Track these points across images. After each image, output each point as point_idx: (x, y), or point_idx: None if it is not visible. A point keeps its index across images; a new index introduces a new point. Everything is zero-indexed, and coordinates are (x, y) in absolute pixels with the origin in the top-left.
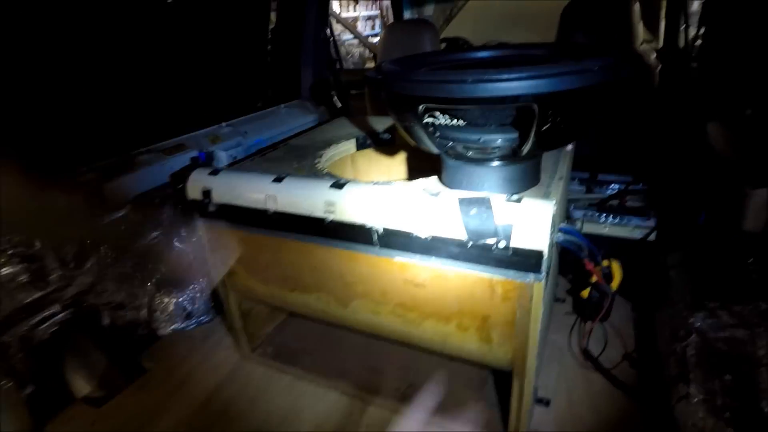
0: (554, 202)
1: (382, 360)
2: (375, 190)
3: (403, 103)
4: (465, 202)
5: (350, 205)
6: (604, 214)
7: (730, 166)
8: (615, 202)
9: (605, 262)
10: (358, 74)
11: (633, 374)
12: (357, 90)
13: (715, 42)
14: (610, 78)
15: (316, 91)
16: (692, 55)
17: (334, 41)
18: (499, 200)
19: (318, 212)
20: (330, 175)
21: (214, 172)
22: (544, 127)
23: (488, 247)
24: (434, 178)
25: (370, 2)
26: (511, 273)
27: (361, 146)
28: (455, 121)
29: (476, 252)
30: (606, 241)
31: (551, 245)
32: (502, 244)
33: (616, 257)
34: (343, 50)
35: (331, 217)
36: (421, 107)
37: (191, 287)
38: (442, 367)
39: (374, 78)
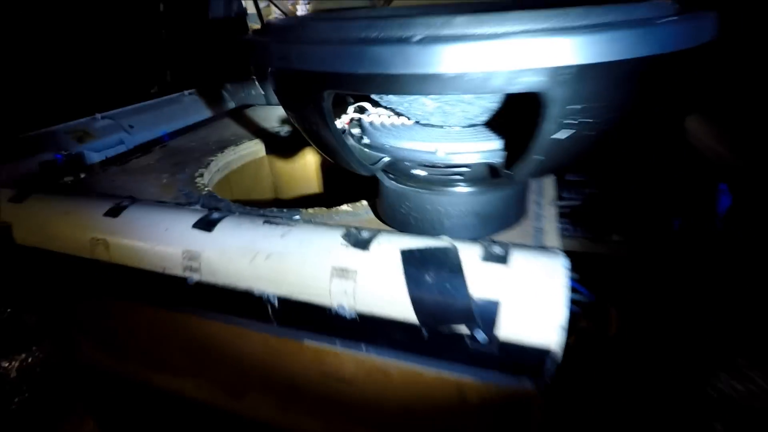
0: (563, 255)
1: None
2: (264, 234)
3: (295, 86)
4: (414, 260)
5: (225, 258)
6: (578, 228)
7: (713, 165)
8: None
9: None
10: None
11: None
12: None
13: None
14: (691, 43)
15: (234, 74)
16: None
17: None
18: (472, 254)
19: (174, 269)
20: (212, 198)
21: (19, 197)
22: (561, 132)
23: (457, 337)
24: (366, 206)
25: None
26: (494, 375)
27: (275, 148)
28: (392, 118)
29: (435, 343)
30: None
31: (564, 335)
32: (479, 335)
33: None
34: None
35: (195, 277)
36: (325, 93)
37: None
38: None
39: (249, 42)
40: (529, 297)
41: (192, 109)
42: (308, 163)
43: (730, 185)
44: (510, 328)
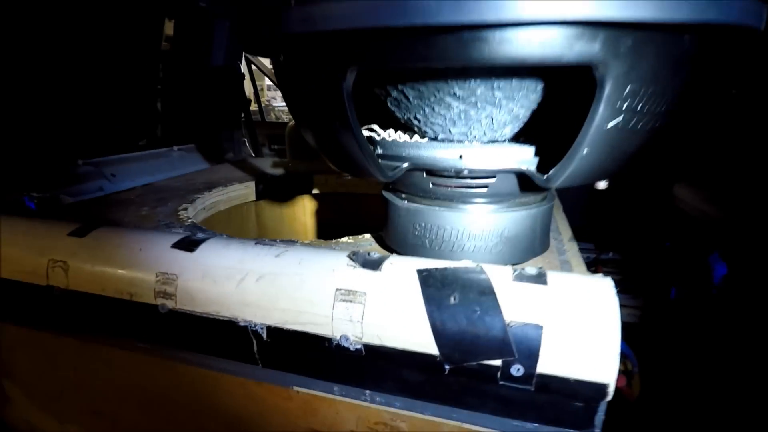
0: (609, 278)
1: None
2: (256, 254)
3: (313, 62)
4: (434, 279)
5: (207, 281)
6: None
7: (705, 230)
8: None
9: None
10: (282, 128)
11: None
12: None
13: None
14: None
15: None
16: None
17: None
18: (503, 275)
19: (145, 295)
20: (195, 228)
21: None
22: (616, 120)
23: (487, 375)
24: (369, 237)
25: None
26: (535, 428)
27: (263, 193)
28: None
29: (458, 385)
30: None
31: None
32: (517, 371)
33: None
34: (272, 116)
35: (169, 304)
36: (348, 71)
37: None
38: None
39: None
40: (579, 321)
41: (179, 164)
42: (299, 210)
43: (723, 252)
44: (556, 361)
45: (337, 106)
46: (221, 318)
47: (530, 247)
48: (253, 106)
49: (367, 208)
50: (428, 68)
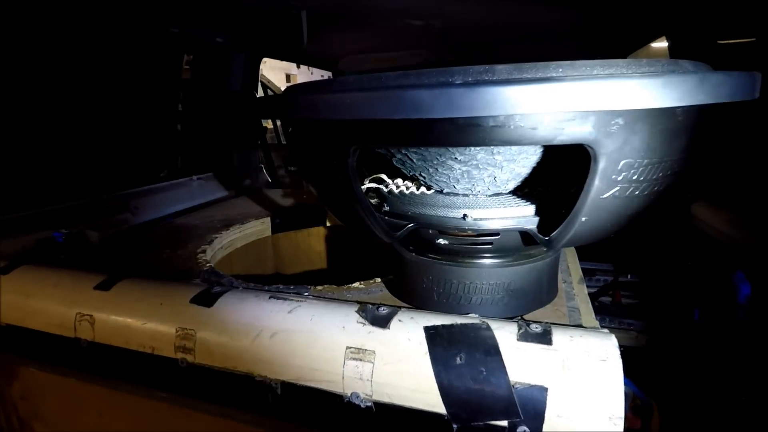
0: (612, 335)
1: None
2: (270, 310)
3: (319, 141)
4: (440, 338)
5: (224, 337)
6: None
7: (721, 250)
8: (607, 300)
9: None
10: None
11: None
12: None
13: None
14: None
15: (241, 163)
16: None
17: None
18: (508, 333)
19: (166, 349)
20: (213, 273)
21: (6, 269)
22: (613, 191)
23: None
24: (380, 283)
25: None
26: None
27: (279, 227)
28: (412, 188)
29: None
30: None
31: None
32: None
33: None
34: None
35: (188, 359)
36: (351, 149)
37: None
38: None
39: (274, 96)
40: (583, 382)
41: (198, 194)
42: (314, 243)
43: (747, 272)
44: (561, 422)
45: (342, 180)
46: (238, 373)
47: (537, 299)
48: (270, 131)
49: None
50: None
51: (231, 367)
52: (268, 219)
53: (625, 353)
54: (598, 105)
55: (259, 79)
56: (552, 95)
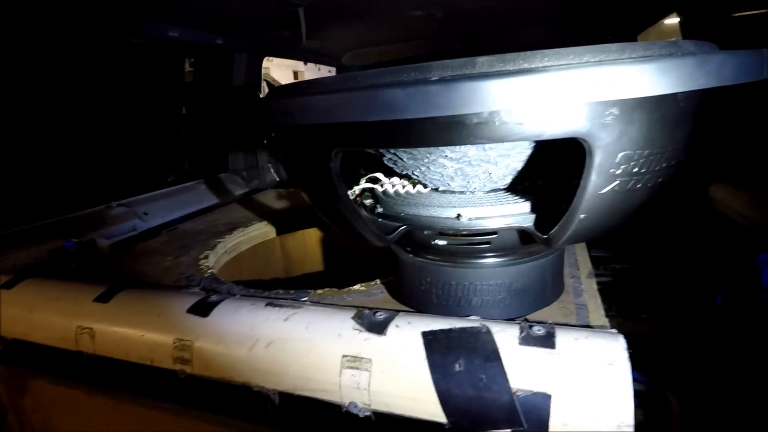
0: (621, 336)
1: None
2: (266, 318)
3: (299, 146)
4: (438, 344)
5: (221, 347)
6: (614, 307)
7: (742, 232)
8: (622, 288)
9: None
10: None
11: None
12: None
13: None
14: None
15: (248, 163)
16: None
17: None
18: (509, 337)
19: (164, 360)
20: (213, 280)
21: (10, 283)
22: (612, 185)
23: None
24: (380, 285)
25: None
26: None
27: (286, 229)
28: (407, 187)
29: None
30: None
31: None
32: None
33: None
34: None
35: (187, 369)
36: (333, 153)
37: None
38: None
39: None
40: (589, 388)
41: (206, 197)
42: (320, 243)
43: None
44: (566, 430)
45: (326, 184)
46: (236, 383)
47: (540, 297)
48: None
49: None
50: None
51: (228, 377)
52: (273, 220)
53: (643, 344)
54: (589, 95)
55: (264, 78)
56: (536, 87)
